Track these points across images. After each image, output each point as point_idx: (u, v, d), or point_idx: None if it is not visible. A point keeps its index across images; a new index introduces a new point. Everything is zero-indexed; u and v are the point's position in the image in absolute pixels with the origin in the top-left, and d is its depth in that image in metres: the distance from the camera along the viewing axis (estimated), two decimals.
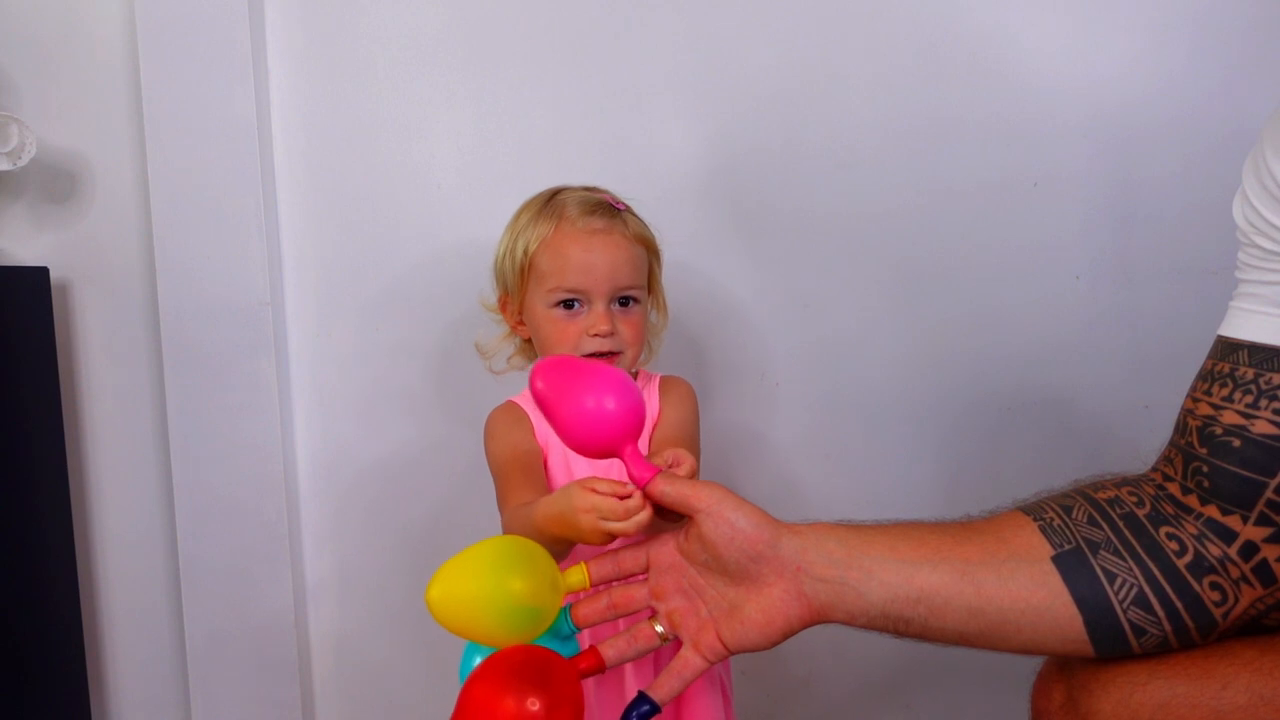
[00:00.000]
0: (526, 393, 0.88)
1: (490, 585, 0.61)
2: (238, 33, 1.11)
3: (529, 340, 0.91)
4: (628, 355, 0.85)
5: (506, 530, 0.76)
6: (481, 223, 1.16)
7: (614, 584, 0.68)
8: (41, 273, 1.12)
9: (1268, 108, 0.60)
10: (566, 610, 0.67)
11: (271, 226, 1.15)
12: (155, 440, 1.19)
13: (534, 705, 0.56)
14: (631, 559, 0.67)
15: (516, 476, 0.81)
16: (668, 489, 0.63)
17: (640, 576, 0.67)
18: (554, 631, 0.66)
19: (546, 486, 0.82)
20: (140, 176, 1.14)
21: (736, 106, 1.16)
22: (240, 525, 1.16)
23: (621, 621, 0.69)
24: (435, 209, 1.17)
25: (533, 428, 0.86)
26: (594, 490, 0.63)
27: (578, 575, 0.65)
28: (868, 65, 1.16)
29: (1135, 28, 1.14)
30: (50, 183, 1.15)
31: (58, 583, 1.15)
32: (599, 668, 0.64)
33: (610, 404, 0.64)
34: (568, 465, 0.85)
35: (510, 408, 0.89)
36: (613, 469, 0.78)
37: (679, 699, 0.78)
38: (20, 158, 1.06)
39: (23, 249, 1.16)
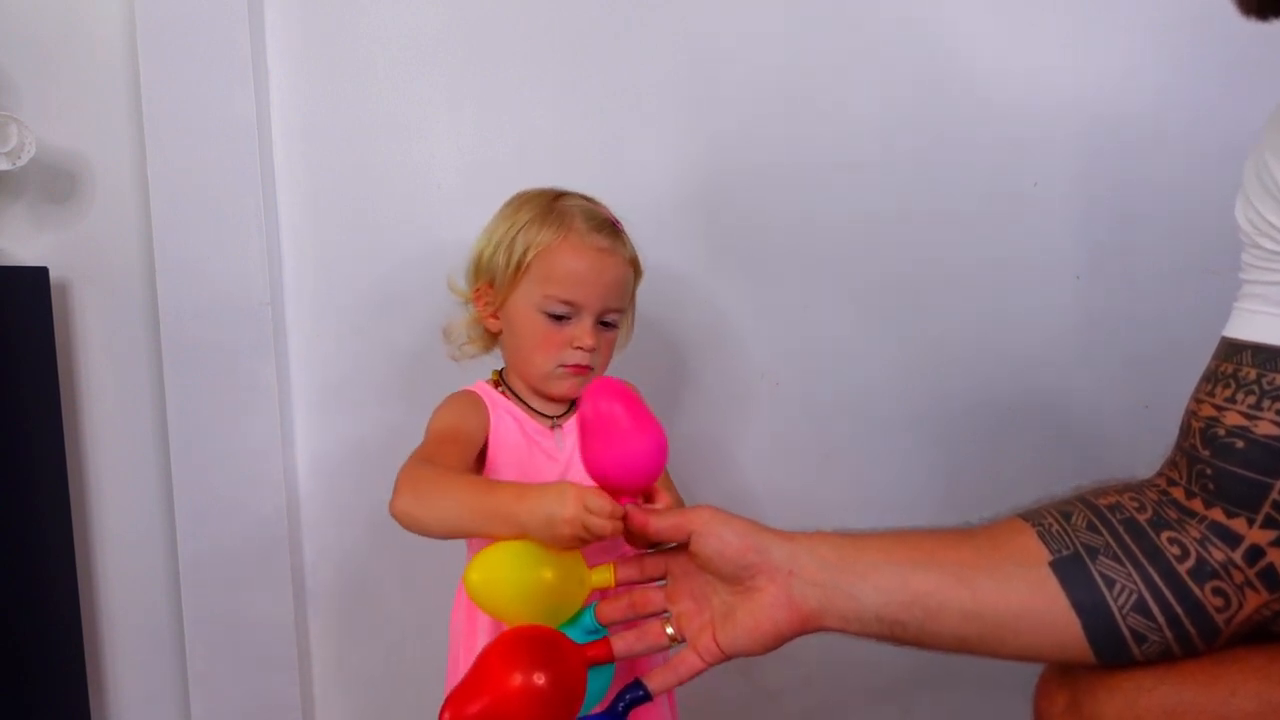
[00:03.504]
0: (482, 383, 0.90)
1: (525, 574, 0.67)
2: (238, 33, 1.11)
3: (496, 334, 0.91)
4: (594, 372, 0.86)
5: (404, 475, 0.74)
6: (482, 223, 1.16)
7: (636, 586, 0.71)
8: (41, 273, 1.12)
9: (1268, 107, 0.60)
10: (592, 608, 0.71)
11: (271, 226, 1.15)
12: (155, 440, 1.19)
13: (539, 679, 0.62)
14: (654, 564, 0.70)
15: (449, 445, 0.81)
16: (661, 524, 0.66)
17: (660, 581, 0.70)
18: (581, 627, 0.70)
19: (469, 471, 0.81)
20: (140, 176, 1.14)
21: (736, 107, 1.16)
22: (240, 525, 1.16)
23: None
24: (435, 209, 1.17)
25: (487, 420, 0.85)
26: (589, 509, 0.64)
27: (604, 575, 0.70)
28: (868, 66, 1.15)
29: (1135, 28, 1.14)
30: (50, 183, 1.15)
31: (58, 583, 1.15)
32: (607, 658, 0.67)
33: (654, 461, 0.68)
34: (521, 469, 0.84)
35: (470, 395, 0.88)
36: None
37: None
38: (20, 158, 1.06)
39: (23, 249, 1.16)
